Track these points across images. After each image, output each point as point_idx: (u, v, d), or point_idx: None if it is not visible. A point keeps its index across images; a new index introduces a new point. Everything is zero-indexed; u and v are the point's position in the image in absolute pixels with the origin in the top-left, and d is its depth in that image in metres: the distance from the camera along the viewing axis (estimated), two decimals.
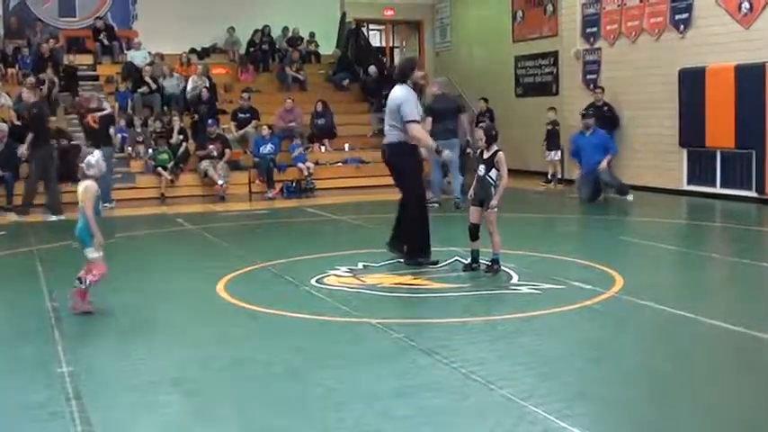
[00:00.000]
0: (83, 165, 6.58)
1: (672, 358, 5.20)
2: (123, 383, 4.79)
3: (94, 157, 6.63)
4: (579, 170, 13.88)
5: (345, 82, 19.66)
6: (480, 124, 7.97)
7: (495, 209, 7.50)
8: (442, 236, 9.61)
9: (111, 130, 14.45)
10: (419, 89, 8.32)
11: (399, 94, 8.00)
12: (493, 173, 7.53)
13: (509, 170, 7.66)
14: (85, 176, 6.55)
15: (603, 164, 13.12)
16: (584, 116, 13.81)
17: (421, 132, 8.15)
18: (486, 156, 7.62)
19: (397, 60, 23.51)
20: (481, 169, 7.63)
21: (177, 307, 6.84)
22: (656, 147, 14.24)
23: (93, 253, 6.47)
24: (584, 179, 13.39)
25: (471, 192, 7.77)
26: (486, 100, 17.65)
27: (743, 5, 12.69)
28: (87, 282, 6.41)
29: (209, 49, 20.26)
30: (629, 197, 13.03)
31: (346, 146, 17.08)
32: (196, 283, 7.62)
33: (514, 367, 4.91)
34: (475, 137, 8.14)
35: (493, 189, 7.53)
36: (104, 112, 14.15)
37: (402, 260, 8.19)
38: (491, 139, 7.61)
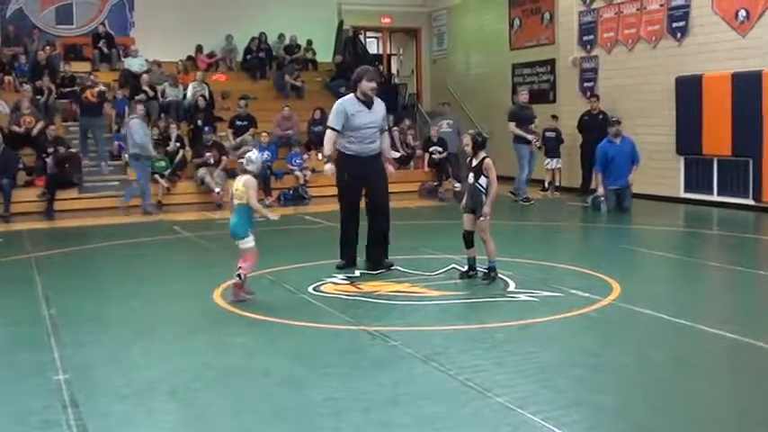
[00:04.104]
0: (242, 160, 6.94)
1: (669, 366, 5.21)
2: (119, 391, 4.77)
3: (254, 154, 6.99)
4: (601, 185, 13.07)
5: (342, 89, 19.65)
6: (470, 131, 7.88)
7: (488, 217, 7.45)
8: (438, 243, 9.62)
9: (106, 106, 16.20)
10: (369, 99, 8.20)
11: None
12: (482, 180, 7.45)
13: (504, 178, 7.60)
14: (245, 171, 6.87)
15: (632, 177, 12.97)
16: (612, 123, 13.38)
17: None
18: (474, 163, 7.53)
19: (393, 68, 23.60)
20: (470, 177, 7.56)
21: (174, 314, 6.82)
22: (653, 154, 14.23)
23: (247, 243, 6.89)
24: (612, 191, 12.95)
25: (463, 201, 7.74)
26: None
27: (740, 13, 12.72)
28: (243, 276, 6.84)
29: (207, 56, 20.26)
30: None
31: None
32: (193, 291, 7.61)
33: (512, 375, 4.91)
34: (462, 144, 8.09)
35: (483, 197, 7.46)
36: (100, 87, 15.86)
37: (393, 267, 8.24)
38: (478, 146, 7.50)
